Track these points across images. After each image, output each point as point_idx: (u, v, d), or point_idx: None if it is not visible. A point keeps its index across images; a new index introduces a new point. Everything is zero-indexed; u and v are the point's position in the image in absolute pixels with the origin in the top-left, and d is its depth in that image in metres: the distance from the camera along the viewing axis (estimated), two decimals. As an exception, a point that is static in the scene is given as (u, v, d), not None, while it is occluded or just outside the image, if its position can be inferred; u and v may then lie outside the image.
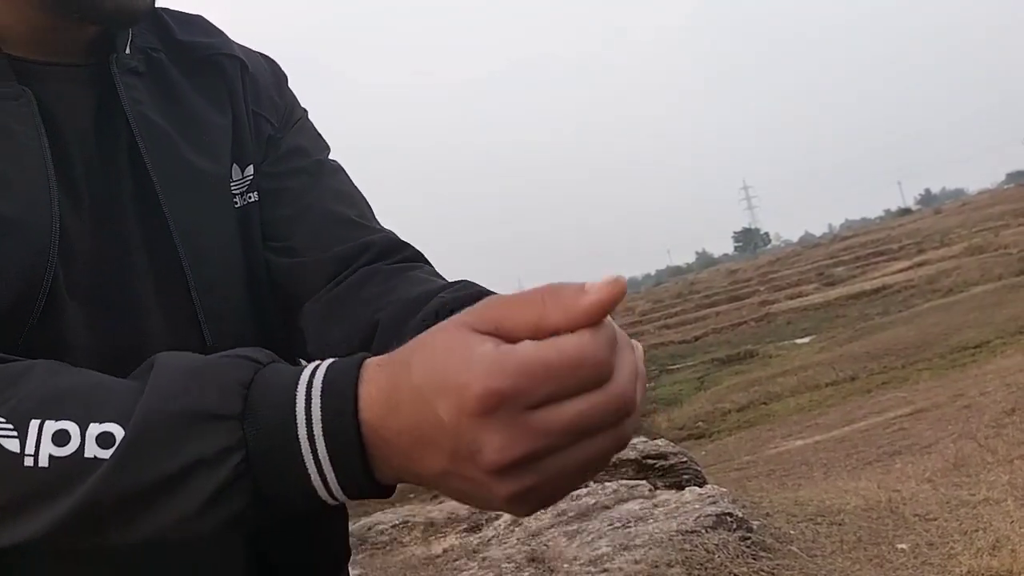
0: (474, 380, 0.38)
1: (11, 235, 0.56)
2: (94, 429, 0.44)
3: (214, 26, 0.75)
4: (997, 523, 3.60)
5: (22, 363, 0.48)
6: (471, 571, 3.50)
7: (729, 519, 3.64)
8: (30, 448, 0.44)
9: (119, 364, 0.50)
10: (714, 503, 3.83)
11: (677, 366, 24.81)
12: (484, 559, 3.63)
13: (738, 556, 3.36)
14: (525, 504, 0.42)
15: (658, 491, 4.31)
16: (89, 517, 0.44)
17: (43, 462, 0.43)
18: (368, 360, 0.44)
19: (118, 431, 0.43)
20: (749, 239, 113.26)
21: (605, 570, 3.23)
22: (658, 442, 5.57)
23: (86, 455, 0.43)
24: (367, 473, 0.43)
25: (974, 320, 13.24)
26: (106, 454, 0.43)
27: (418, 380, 0.40)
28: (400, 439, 0.41)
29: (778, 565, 3.34)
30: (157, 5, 0.69)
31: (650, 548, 3.33)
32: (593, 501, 4.05)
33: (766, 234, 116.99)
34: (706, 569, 3.21)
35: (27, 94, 0.60)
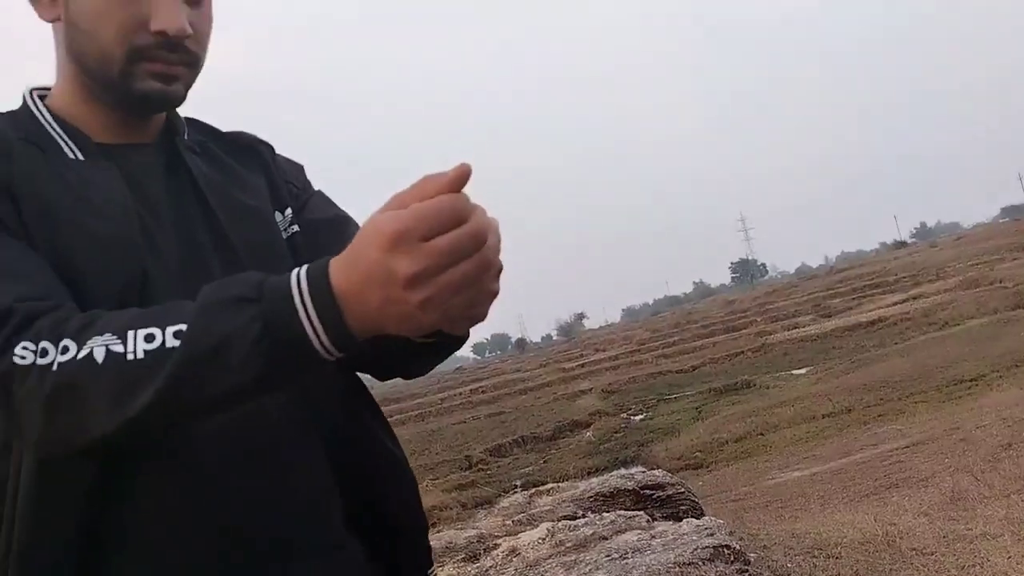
0: (385, 226, 0.60)
1: (109, 258, 0.77)
2: (169, 329, 0.64)
3: (253, 133, 1.00)
4: (994, 558, 3.63)
5: (117, 311, 0.69)
6: (469, 601, 3.51)
7: (726, 551, 3.65)
8: (130, 348, 0.64)
9: None
10: (711, 535, 3.84)
11: (675, 395, 24.71)
12: (482, 589, 3.65)
13: (735, 588, 3.38)
14: (431, 309, 0.61)
15: (655, 522, 4.33)
16: (175, 386, 0.63)
17: (140, 355, 0.64)
18: (332, 258, 0.64)
19: (184, 326, 0.64)
20: (746, 270, 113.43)
21: (603, 601, 3.25)
22: (656, 472, 5.59)
23: (167, 345, 0.63)
24: (343, 324, 0.63)
25: (970, 353, 13.27)
26: (177, 342, 0.63)
27: (359, 244, 0.62)
28: (356, 287, 0.62)
29: (775, 598, 3.36)
30: (206, 121, 0.97)
31: (647, 580, 3.35)
32: (591, 532, 4.07)
33: (763, 265, 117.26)
34: (703, 601, 3.22)
35: (111, 166, 0.83)
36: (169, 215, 0.85)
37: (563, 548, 3.92)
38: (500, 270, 0.66)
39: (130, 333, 0.65)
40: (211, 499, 0.77)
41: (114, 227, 0.79)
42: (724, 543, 3.72)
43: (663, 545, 3.75)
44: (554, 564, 3.72)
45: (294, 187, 0.98)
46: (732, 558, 3.62)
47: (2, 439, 0.75)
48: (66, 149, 0.83)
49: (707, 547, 3.65)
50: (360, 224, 0.91)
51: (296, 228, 0.94)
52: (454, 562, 4.18)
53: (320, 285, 0.63)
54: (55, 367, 0.64)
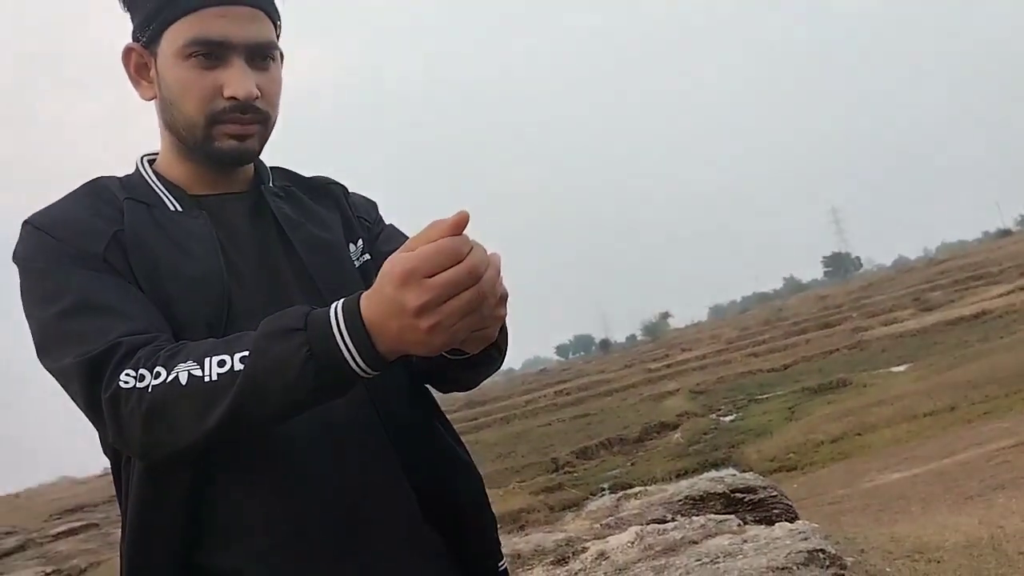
0: (396, 268, 0.72)
1: (199, 295, 0.91)
2: (236, 355, 0.77)
3: (329, 176, 1.15)
4: (1109, 563, 3.44)
5: (198, 341, 0.83)
6: (559, 605, 3.53)
7: (821, 555, 3.57)
8: (206, 371, 0.77)
9: None
10: (806, 539, 3.76)
11: (766, 395, 24.17)
12: (572, 593, 3.66)
13: (831, 594, 3.30)
14: (439, 333, 0.73)
15: (747, 526, 4.26)
16: (241, 402, 0.76)
17: (214, 377, 0.77)
18: (364, 292, 0.77)
19: (246, 353, 0.77)
20: (839, 264, 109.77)
21: (694, 606, 3.22)
22: (747, 475, 5.49)
23: (235, 369, 0.76)
24: (372, 346, 0.75)
25: (1083, 346, 12.55)
26: (242, 366, 0.76)
27: (379, 283, 0.74)
28: (380, 317, 0.74)
29: (873, 604, 3.27)
30: (285, 167, 1.11)
31: (739, 584, 3.31)
32: (680, 535, 4.03)
33: (857, 258, 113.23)
34: (797, 606, 3.16)
35: (203, 214, 0.98)
36: (255, 252, 0.99)
37: (652, 552, 3.90)
38: (504, 297, 0.78)
39: (206, 359, 0.78)
40: (294, 490, 0.89)
41: (203, 268, 0.93)
42: (819, 547, 3.63)
43: (755, 549, 3.69)
44: (644, 568, 3.70)
45: (366, 221, 1.12)
46: (828, 562, 3.54)
47: (114, 450, 0.91)
48: (167, 202, 0.98)
49: (801, 551, 3.58)
50: None
51: (368, 257, 1.07)
52: (543, 565, 4.20)
53: (353, 317, 0.76)
54: (150, 389, 0.78)
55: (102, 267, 0.89)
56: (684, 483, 5.61)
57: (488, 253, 0.76)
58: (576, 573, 3.94)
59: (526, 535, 4.84)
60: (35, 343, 0.87)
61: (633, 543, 4.07)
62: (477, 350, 0.84)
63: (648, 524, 4.52)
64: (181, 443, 0.79)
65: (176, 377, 0.77)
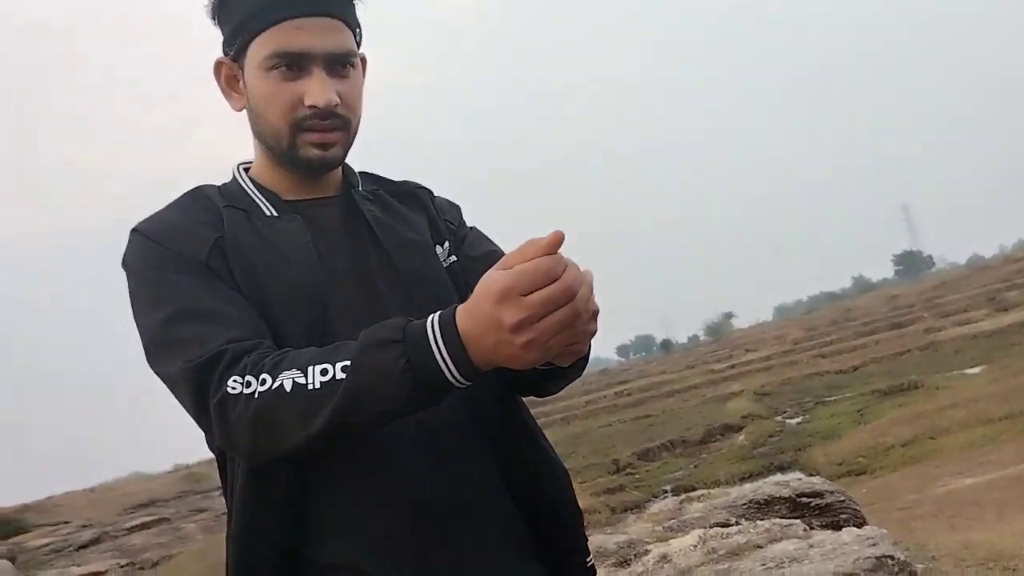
0: (494, 285, 0.75)
1: (297, 297, 0.95)
2: (338, 364, 0.80)
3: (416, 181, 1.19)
4: None
5: (301, 350, 0.86)
6: (621, 606, 3.52)
7: (890, 562, 3.48)
8: (310, 379, 0.80)
9: None
10: (874, 545, 3.68)
11: (834, 397, 23.62)
12: (634, 595, 3.64)
13: (900, 601, 3.23)
14: (533, 349, 0.76)
15: (813, 531, 4.18)
16: (343, 409, 0.79)
17: (317, 385, 0.80)
18: (458, 305, 0.80)
19: (349, 362, 0.80)
20: (911, 262, 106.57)
21: (758, 610, 3.18)
22: (813, 480, 5.39)
23: (336, 377, 0.80)
24: (467, 358, 0.78)
25: None
26: (344, 375, 0.80)
27: (476, 298, 0.77)
28: (475, 331, 0.77)
29: (944, 612, 3.18)
30: (373, 172, 1.15)
31: (805, 590, 3.25)
32: (744, 540, 3.98)
33: (929, 256, 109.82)
34: (865, 614, 3.10)
35: (297, 218, 1.02)
36: (347, 254, 1.03)
37: (716, 556, 3.86)
38: (596, 313, 0.81)
39: (310, 368, 0.81)
40: (392, 486, 0.93)
41: (299, 271, 0.97)
42: (888, 553, 3.55)
43: (822, 555, 3.63)
44: (707, 572, 3.67)
45: (451, 224, 1.15)
46: (897, 569, 3.46)
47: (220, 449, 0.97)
48: (263, 208, 1.02)
49: (869, 557, 3.50)
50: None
51: (454, 259, 1.10)
52: (605, 567, 4.19)
53: (449, 330, 0.79)
54: (256, 395, 0.82)
55: (205, 273, 0.93)
56: (748, 487, 5.53)
57: (581, 271, 0.78)
58: (638, 575, 3.92)
59: (588, 536, 4.83)
60: (144, 348, 0.92)
61: (696, 546, 4.04)
62: (567, 363, 0.87)
63: (711, 527, 4.47)
64: (285, 447, 0.83)
65: (281, 384, 0.81)
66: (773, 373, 31.58)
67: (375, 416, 0.81)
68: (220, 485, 0.99)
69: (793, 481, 5.33)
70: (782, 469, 16.25)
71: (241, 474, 0.92)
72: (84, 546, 25.32)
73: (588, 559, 1.11)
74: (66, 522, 29.62)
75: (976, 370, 21.80)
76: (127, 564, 22.37)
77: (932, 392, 19.77)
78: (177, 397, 0.88)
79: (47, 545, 25.19)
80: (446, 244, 1.11)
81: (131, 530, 26.23)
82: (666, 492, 16.03)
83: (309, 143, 1.00)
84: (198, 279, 0.93)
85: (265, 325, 0.92)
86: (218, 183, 1.07)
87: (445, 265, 1.08)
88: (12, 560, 22.25)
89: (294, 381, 0.81)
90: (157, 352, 0.90)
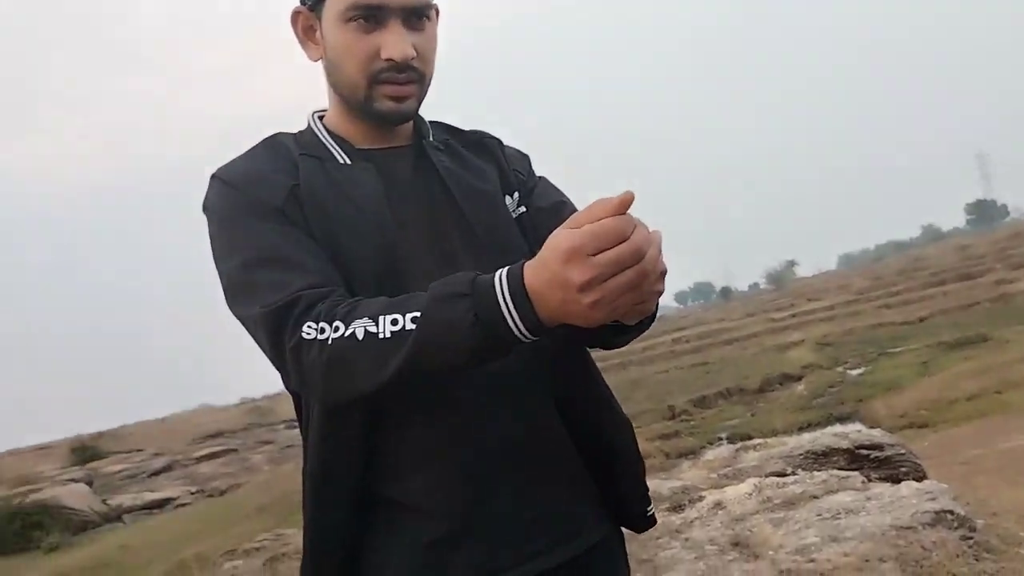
0: (562, 243, 0.76)
1: (369, 245, 0.98)
2: (408, 315, 0.83)
3: (485, 131, 1.20)
4: None
5: (372, 299, 0.89)
6: (673, 551, 3.56)
7: (949, 517, 3.45)
8: (381, 329, 0.83)
9: None
10: (933, 499, 3.64)
11: (898, 349, 23.14)
12: (687, 540, 3.67)
13: (958, 556, 3.19)
14: (599, 308, 0.77)
15: (871, 484, 4.15)
16: (412, 359, 0.82)
17: (387, 335, 0.83)
18: (527, 260, 0.81)
19: (419, 313, 0.83)
20: (984, 212, 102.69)
21: (812, 560, 3.19)
22: (873, 432, 5.33)
23: (407, 328, 0.82)
24: (534, 314, 0.80)
25: None
26: (414, 325, 0.82)
27: (543, 256, 0.78)
28: (541, 287, 0.78)
29: (1003, 568, 3.14)
30: (442, 120, 1.16)
31: (861, 541, 3.24)
32: (800, 490, 3.97)
33: (1004, 206, 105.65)
34: (921, 567, 3.08)
35: (370, 166, 1.04)
36: (418, 202, 1.05)
37: (771, 504, 3.86)
38: (663, 273, 0.81)
39: (381, 317, 0.84)
40: (461, 428, 0.97)
41: (371, 219, 0.99)
42: (947, 508, 3.51)
43: (879, 507, 3.60)
44: (761, 520, 3.68)
45: (520, 175, 1.15)
46: (956, 524, 3.42)
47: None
48: (337, 156, 1.04)
49: (928, 511, 3.46)
50: (576, 208, 1.12)
51: (523, 210, 1.11)
52: (658, 511, 4.22)
53: (516, 285, 0.80)
54: (330, 342, 0.84)
55: (281, 220, 0.96)
56: (806, 437, 5.49)
57: (650, 231, 0.79)
58: (691, 521, 3.95)
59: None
60: (223, 290, 0.96)
61: (751, 494, 4.05)
62: (634, 322, 0.88)
63: (767, 477, 4.47)
64: (357, 391, 0.86)
65: (353, 332, 0.84)
66: (836, 323, 31.02)
67: (443, 366, 0.84)
68: (284, 419, 1.04)
69: (852, 433, 5.27)
70: (841, 420, 16.06)
71: (316, 414, 0.96)
72: (156, 473, 26.56)
73: (649, 508, 1.13)
74: (139, 450, 31.04)
75: (1049, 324, 21.08)
76: (196, 491, 23.41)
77: (1000, 345, 19.23)
78: (254, 338, 0.92)
79: (122, 471, 26.49)
80: (515, 195, 1.11)
81: (200, 459, 27.37)
82: (722, 440, 16.00)
83: (384, 95, 1.01)
84: (275, 226, 0.95)
85: (337, 272, 0.94)
86: (293, 131, 1.09)
87: (514, 216, 1.09)
88: (89, 484, 23.49)
89: (366, 330, 0.83)
90: (236, 295, 0.94)
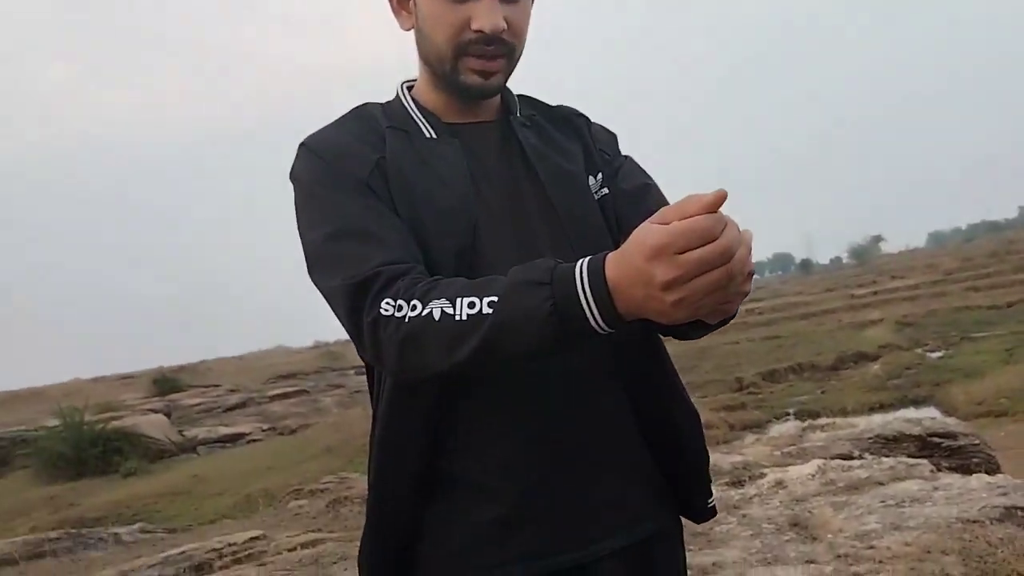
0: (648, 239, 0.74)
1: (450, 220, 0.97)
2: (486, 299, 0.83)
3: (573, 107, 1.18)
4: None
5: (451, 279, 0.89)
6: (730, 526, 3.54)
7: (1020, 513, 3.33)
8: (458, 310, 0.83)
9: None
10: (1004, 494, 3.52)
11: (982, 334, 22.31)
12: (744, 516, 3.65)
13: (1026, 555, 3.09)
14: (683, 308, 0.75)
15: (940, 473, 4.04)
16: (487, 343, 0.82)
17: (464, 317, 0.83)
18: (609, 252, 0.80)
19: (496, 298, 0.82)
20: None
21: (872, 547, 3.13)
22: (947, 420, 5.19)
23: (483, 312, 0.82)
24: (613, 307, 0.79)
25: None
26: (491, 310, 0.82)
27: (628, 250, 0.77)
28: (623, 282, 0.77)
29: (1074, 572, 3.03)
30: (531, 95, 1.14)
31: (924, 532, 3.17)
32: (866, 475, 3.89)
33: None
34: (986, 563, 2.99)
35: (456, 142, 1.03)
36: (501, 180, 1.04)
37: (834, 488, 3.80)
38: (751, 273, 0.80)
39: (458, 300, 0.84)
40: (529, 412, 0.97)
41: (454, 197, 0.99)
42: (1019, 504, 3.39)
43: (946, 498, 3.51)
44: (822, 503, 3.62)
45: (606, 154, 1.13)
46: (1027, 522, 3.31)
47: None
48: (423, 129, 1.03)
49: (998, 506, 3.36)
50: (660, 191, 1.13)
51: (606, 191, 1.09)
52: (717, 485, 4.20)
53: (597, 278, 0.79)
54: (407, 320, 0.85)
55: (366, 192, 0.96)
56: (877, 420, 5.38)
57: (741, 231, 0.77)
58: (751, 498, 3.92)
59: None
60: (305, 259, 0.97)
61: (814, 476, 3.98)
62: (715, 321, 0.87)
63: (832, 459, 4.39)
64: (429, 371, 0.87)
65: (430, 312, 0.84)
66: (919, 303, 30.02)
67: (517, 353, 0.83)
68: (355, 364, 1.05)
69: (925, 419, 5.13)
70: (916, 403, 15.65)
71: (387, 386, 0.98)
72: (231, 408, 27.58)
73: (710, 501, 1.13)
74: (216, 386, 32.24)
75: None
76: (269, 428, 24.25)
77: (1094, 337, 18.33)
78: (333, 310, 0.93)
79: (198, 405, 27.58)
80: (599, 176, 1.09)
81: (273, 398, 28.29)
82: (789, 415, 15.77)
83: (471, 69, 1.00)
84: (360, 198, 0.96)
85: (418, 248, 0.95)
86: (382, 101, 1.09)
87: (597, 197, 1.08)
88: (168, 415, 24.54)
89: (443, 311, 0.83)
90: (317, 265, 0.95)
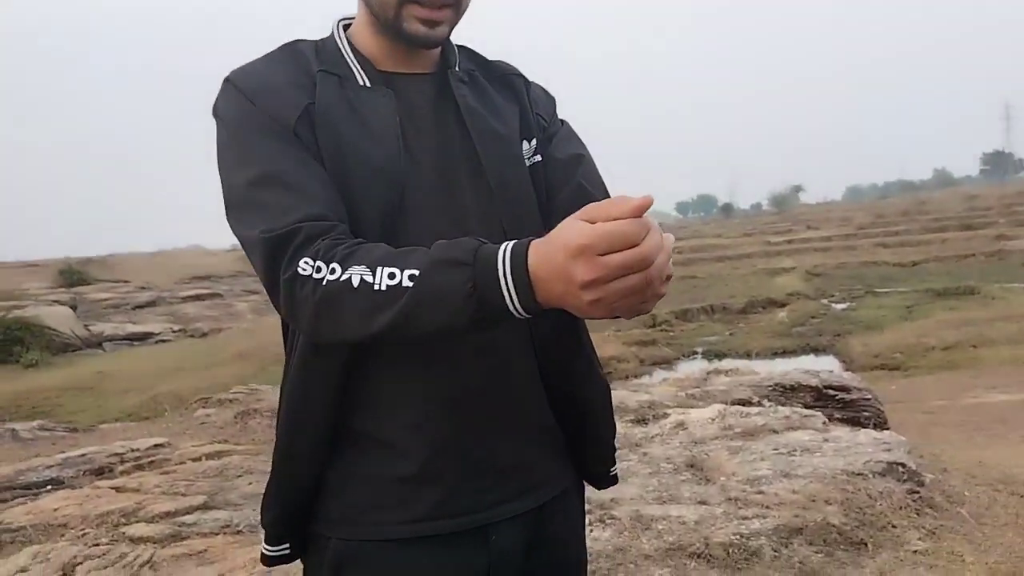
0: (572, 239, 0.75)
1: (378, 176, 0.94)
2: (406, 272, 0.81)
3: (512, 64, 1.15)
4: None
5: (373, 243, 0.87)
6: (630, 463, 3.66)
7: (900, 469, 3.55)
8: (377, 280, 0.82)
9: None
10: (889, 450, 3.74)
11: (886, 290, 23.34)
12: (645, 455, 3.78)
13: (901, 508, 3.30)
14: (598, 307, 0.77)
15: (832, 425, 4.25)
16: (404, 317, 0.81)
17: (383, 288, 0.82)
18: (533, 240, 0.80)
19: (417, 272, 0.81)
20: (999, 163, 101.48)
21: (761, 492, 3.29)
22: (844, 375, 5.42)
23: (403, 285, 0.81)
24: (531, 294, 0.79)
25: None
26: (411, 284, 0.81)
27: (552, 243, 0.77)
28: (544, 275, 0.78)
29: (941, 526, 3.25)
30: (471, 47, 1.11)
31: (811, 481, 3.34)
32: (762, 422, 4.06)
33: (1020, 160, 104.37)
34: (864, 514, 3.19)
35: (390, 93, 0.99)
36: (433, 138, 1.00)
37: (731, 433, 3.96)
38: (669, 277, 0.81)
39: (378, 269, 0.83)
40: (438, 377, 0.97)
41: (383, 151, 0.95)
42: (900, 460, 3.61)
43: (835, 450, 3.70)
44: (719, 447, 3.78)
45: (543, 119, 1.11)
46: (905, 477, 3.52)
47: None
48: (357, 76, 0.99)
49: (881, 461, 3.56)
50: (593, 163, 1.12)
51: (539, 159, 1.07)
52: (622, 422, 4.33)
53: (519, 265, 0.79)
54: (324, 283, 0.84)
55: (292, 140, 0.92)
56: (778, 369, 5.60)
57: (662, 237, 0.78)
58: (653, 437, 4.06)
59: (612, 390, 4.96)
60: (224, 202, 0.93)
61: (714, 419, 4.14)
62: (630, 318, 0.88)
63: (733, 404, 4.57)
64: (343, 337, 0.86)
65: (349, 279, 0.83)
66: (830, 255, 31.10)
67: (433, 330, 0.83)
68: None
69: (823, 372, 5.36)
70: (817, 351, 16.39)
71: (300, 342, 0.96)
72: (140, 306, 26.92)
73: (612, 469, 1.15)
74: (126, 281, 31.32)
75: (1039, 287, 21.22)
76: (179, 330, 23.81)
77: (987, 301, 19.40)
78: (250, 259, 0.91)
79: (106, 300, 26.81)
80: (533, 141, 1.07)
81: (185, 299, 27.73)
82: (697, 354, 16.34)
83: (415, 17, 0.97)
84: (284, 145, 0.92)
85: (343, 205, 0.92)
86: (315, 39, 1.04)
87: (529, 164, 1.05)
88: (73, 308, 23.80)
89: (362, 278, 0.83)
90: (236, 212, 0.92)
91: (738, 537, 2.94)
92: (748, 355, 16.07)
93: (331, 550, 0.96)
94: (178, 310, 26.34)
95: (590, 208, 0.77)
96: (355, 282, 0.82)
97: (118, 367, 17.30)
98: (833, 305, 21.29)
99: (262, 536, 1.01)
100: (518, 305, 0.80)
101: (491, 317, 0.81)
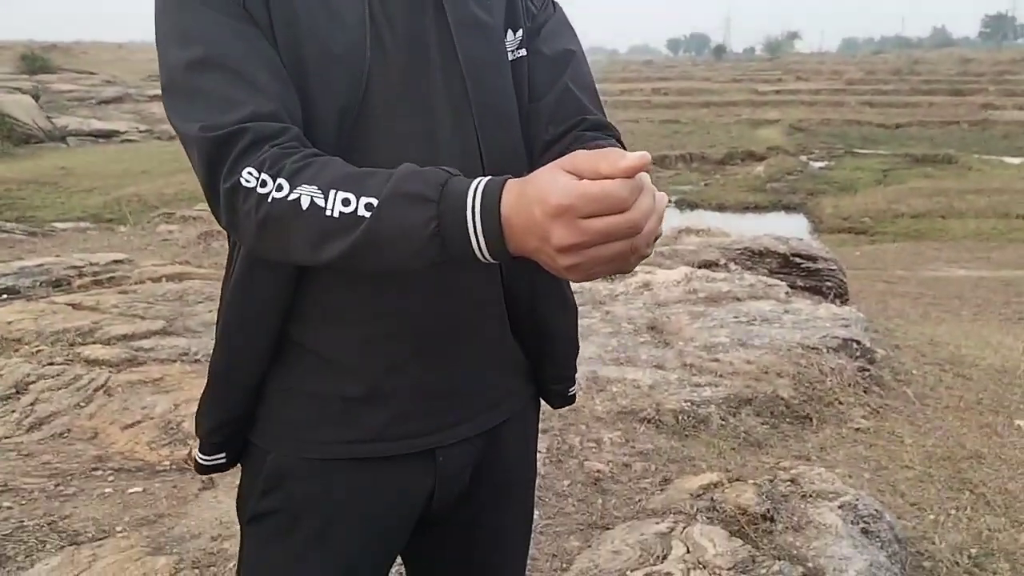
0: (552, 196, 0.66)
1: (338, 66, 0.83)
2: (363, 199, 0.72)
3: None
4: None
5: (327, 157, 0.78)
6: (592, 321, 3.69)
7: (854, 346, 3.62)
8: (329, 205, 0.73)
9: None
10: (846, 326, 3.80)
11: (865, 151, 23.25)
12: (608, 313, 3.80)
13: (850, 385, 3.39)
14: (575, 272, 0.69)
15: (793, 296, 4.29)
16: (356, 250, 0.73)
17: (335, 215, 0.73)
18: (510, 180, 0.71)
19: (375, 201, 0.72)
20: (999, 27, 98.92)
21: (716, 359, 3.35)
22: (813, 244, 5.44)
23: (358, 214, 0.72)
24: (502, 243, 0.71)
25: None
26: (367, 214, 0.72)
27: (529, 194, 0.68)
28: (518, 226, 0.69)
29: (885, 406, 3.36)
30: None
31: (766, 352, 3.40)
32: (727, 288, 4.08)
33: (1022, 26, 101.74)
34: (813, 389, 3.27)
35: None
36: (405, 26, 0.88)
37: (695, 297, 3.99)
38: (657, 237, 0.71)
39: (331, 192, 0.74)
40: (393, 292, 0.89)
41: (346, 40, 0.84)
42: (855, 337, 3.68)
43: (794, 323, 3.76)
44: (681, 311, 3.80)
45: (532, 7, 0.99)
46: (859, 354, 3.60)
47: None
48: None
49: (836, 337, 3.63)
50: (583, 60, 1.00)
51: (523, 53, 0.96)
52: (589, 276, 4.34)
53: (490, 210, 0.70)
54: (269, 199, 0.75)
55: (241, 16, 0.80)
56: (748, 233, 5.58)
57: (655, 197, 0.70)
58: (617, 295, 4.07)
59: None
60: (162, 85, 0.83)
61: (679, 283, 4.16)
62: (609, 276, 0.78)
63: (699, 266, 4.57)
64: (289, 259, 0.79)
65: (298, 199, 0.74)
66: (816, 109, 30.68)
67: (389, 266, 0.76)
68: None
69: (793, 239, 5.37)
70: (788, 209, 16.49)
71: (240, 255, 0.88)
72: (106, 101, 25.99)
73: (572, 389, 1.10)
74: (91, 73, 30.09)
75: (1016, 161, 21.27)
76: (146, 131, 23.14)
77: (963, 172, 19.46)
78: (187, 153, 0.80)
79: (70, 92, 25.81)
80: (519, 33, 0.95)
81: (153, 98, 26.74)
82: (670, 202, 16.28)
83: None
84: (234, 22, 0.80)
85: (296, 100, 0.81)
86: None
87: (511, 57, 0.94)
88: (36, 98, 22.92)
89: (312, 200, 0.74)
90: (176, 98, 0.81)
91: (689, 404, 3.01)
92: (720, 207, 16.12)
93: (269, 464, 0.92)
94: (145, 109, 25.49)
95: (578, 159, 0.67)
96: (304, 204, 0.73)
97: (82, 164, 16.92)
98: (811, 163, 21.24)
99: (196, 444, 0.96)
100: (485, 252, 0.72)
101: (454, 259, 0.73)
